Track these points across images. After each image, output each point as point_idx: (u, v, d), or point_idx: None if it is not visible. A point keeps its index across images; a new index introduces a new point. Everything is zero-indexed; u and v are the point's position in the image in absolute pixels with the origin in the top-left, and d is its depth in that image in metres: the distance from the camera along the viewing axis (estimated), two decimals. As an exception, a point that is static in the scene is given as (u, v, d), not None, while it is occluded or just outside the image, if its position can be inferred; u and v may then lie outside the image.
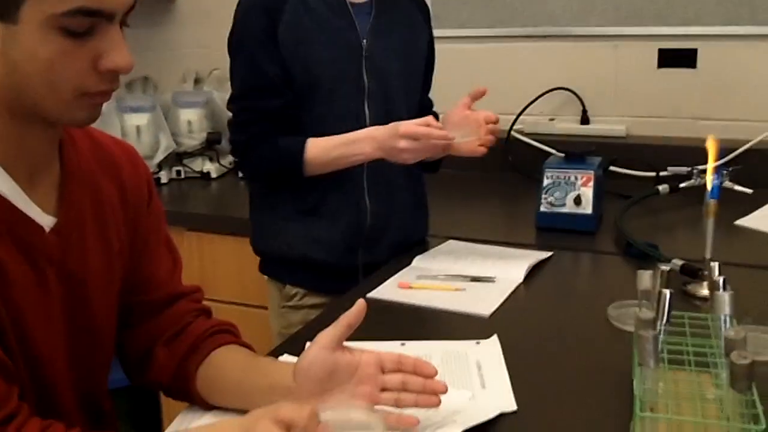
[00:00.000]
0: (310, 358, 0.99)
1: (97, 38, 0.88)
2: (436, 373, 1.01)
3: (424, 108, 1.83)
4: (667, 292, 1.07)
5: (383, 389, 1.00)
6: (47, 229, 0.97)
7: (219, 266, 2.26)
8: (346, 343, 1.03)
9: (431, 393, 1.00)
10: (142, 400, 1.21)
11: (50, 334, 0.98)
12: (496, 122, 1.61)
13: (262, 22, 1.56)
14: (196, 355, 1.10)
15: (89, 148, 1.08)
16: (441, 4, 2.60)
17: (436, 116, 1.87)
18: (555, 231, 1.92)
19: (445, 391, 1.00)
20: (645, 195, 2.13)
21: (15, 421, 0.86)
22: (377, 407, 0.99)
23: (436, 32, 2.59)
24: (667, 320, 1.07)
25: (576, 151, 2.03)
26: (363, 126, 1.63)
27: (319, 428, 0.82)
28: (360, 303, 1.01)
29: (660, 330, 1.06)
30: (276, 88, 1.59)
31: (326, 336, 1.00)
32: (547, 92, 2.53)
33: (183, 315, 1.14)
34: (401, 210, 1.75)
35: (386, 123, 1.59)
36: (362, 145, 1.57)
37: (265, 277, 1.79)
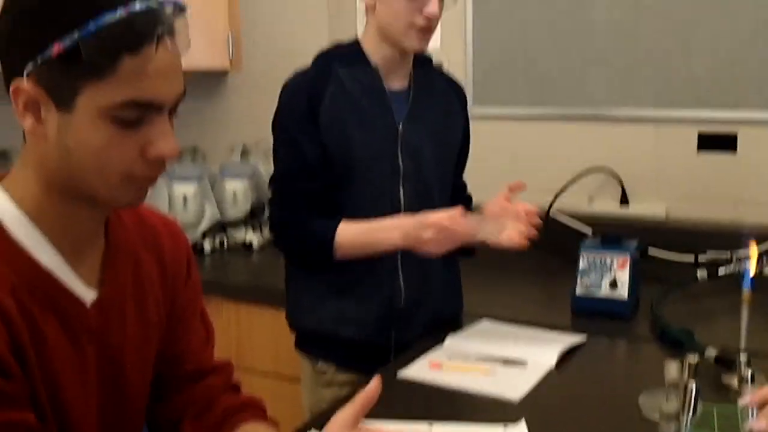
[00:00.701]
0: None
1: (146, 127, 0.93)
2: None
3: (458, 190, 1.87)
4: (693, 384, 1.07)
5: None
6: (88, 304, 1.01)
7: (256, 337, 2.29)
8: (377, 424, 1.04)
9: None
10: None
11: (83, 402, 1.01)
12: (533, 212, 1.63)
13: (304, 107, 1.63)
14: (222, 431, 1.12)
15: (134, 223, 1.13)
16: (482, 83, 2.65)
17: (470, 199, 1.91)
18: (590, 314, 1.92)
19: None
20: (683, 283, 2.11)
21: None
22: None
23: (476, 110, 2.66)
24: (694, 413, 1.06)
25: (612, 234, 2.03)
26: (398, 207, 1.67)
27: None
28: (375, 381, 1.02)
29: (686, 423, 1.06)
30: (314, 171, 1.65)
31: (344, 415, 1.01)
32: (586, 172, 2.54)
33: (212, 389, 1.17)
34: (435, 291, 1.77)
35: (420, 204, 1.63)
36: (390, 234, 1.61)
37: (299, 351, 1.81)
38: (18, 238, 0.95)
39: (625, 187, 2.52)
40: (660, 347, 1.72)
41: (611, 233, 2.04)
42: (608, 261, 1.95)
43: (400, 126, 1.69)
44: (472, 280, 1.99)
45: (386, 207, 1.66)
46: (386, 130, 1.68)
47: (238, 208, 2.70)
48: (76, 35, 0.87)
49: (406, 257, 1.70)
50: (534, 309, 2.05)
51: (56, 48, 0.87)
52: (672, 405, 0.96)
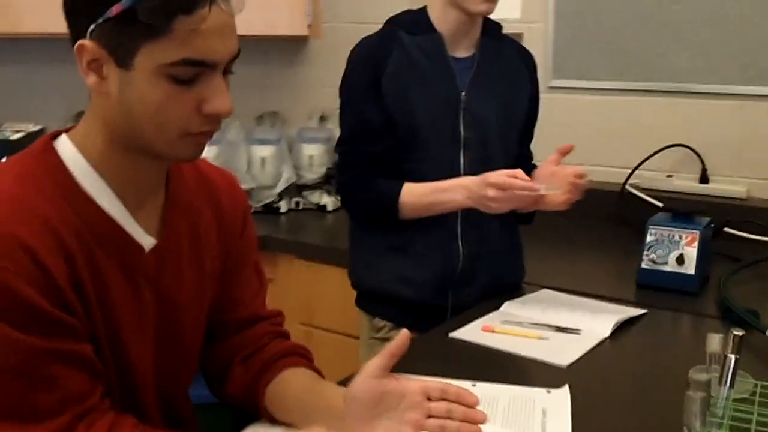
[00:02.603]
0: (358, 385, 1.06)
1: (201, 85, 0.98)
2: (477, 402, 1.04)
3: (523, 160, 1.87)
4: (732, 357, 1.06)
5: (429, 416, 1.05)
6: (147, 250, 1.07)
7: (325, 295, 2.36)
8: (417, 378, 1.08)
9: (472, 422, 1.03)
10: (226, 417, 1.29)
11: (141, 344, 1.08)
12: (583, 177, 1.62)
13: (369, 73, 1.67)
14: (267, 375, 1.18)
15: (194, 177, 1.19)
16: (562, 55, 2.63)
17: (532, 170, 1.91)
18: (656, 289, 1.90)
19: (484, 421, 1.05)
20: (756, 260, 2.06)
21: (88, 417, 0.96)
22: None
23: (555, 82, 2.63)
24: (731, 386, 1.06)
25: (683, 210, 2.00)
26: (458, 174, 1.69)
27: None
28: (404, 334, 1.06)
29: (723, 395, 1.06)
30: (378, 135, 1.68)
31: (373, 365, 1.06)
32: (666, 148, 2.49)
33: (261, 336, 1.23)
34: (493, 255, 1.78)
35: (481, 172, 1.64)
36: (454, 194, 1.63)
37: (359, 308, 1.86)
38: (84, 186, 1.02)
39: (706, 164, 2.47)
40: (723, 325, 1.69)
41: (682, 209, 2.00)
42: (677, 236, 1.92)
43: (463, 93, 1.70)
44: (542, 249, 1.99)
45: (447, 173, 1.68)
46: (448, 97, 1.69)
47: (314, 172, 2.76)
48: None
49: (466, 220, 1.72)
50: (598, 281, 2.03)
51: (115, 9, 0.92)
52: (702, 374, 0.96)
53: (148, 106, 0.97)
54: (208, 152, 2.61)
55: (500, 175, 1.57)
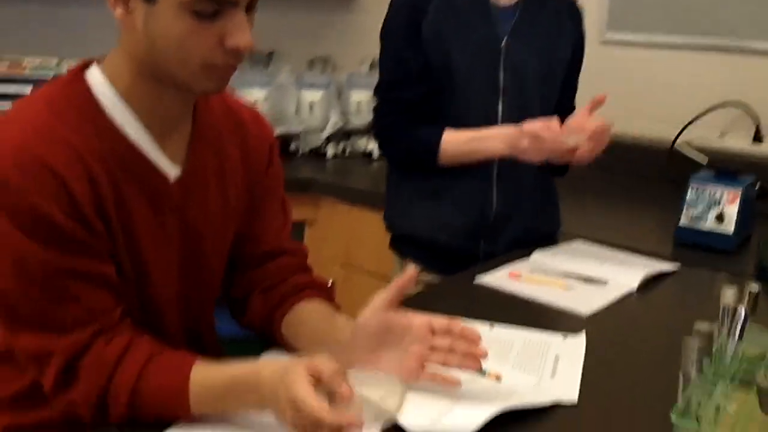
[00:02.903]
0: (365, 317, 1.09)
1: (223, 21, 1.01)
2: (480, 339, 1.07)
3: (566, 112, 1.85)
4: (742, 309, 1.06)
5: (432, 350, 1.08)
6: (172, 180, 1.11)
7: (363, 238, 2.39)
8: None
9: (473, 357, 1.06)
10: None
11: (164, 268, 1.13)
12: (607, 130, 1.60)
13: (409, 18, 1.68)
14: (284, 306, 1.22)
15: (222, 111, 1.22)
16: (620, 7, 2.57)
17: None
18: (693, 247, 1.88)
19: (484, 356, 1.07)
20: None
21: (108, 333, 1.02)
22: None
23: (610, 35, 2.59)
24: (740, 337, 1.06)
25: (727, 167, 1.96)
26: (495, 122, 1.69)
27: (342, 382, 0.92)
28: (410, 269, 1.09)
29: (731, 348, 1.06)
30: (416, 80, 1.69)
31: (380, 298, 1.09)
32: (719, 106, 2.43)
33: (283, 269, 1.26)
34: (528, 206, 1.78)
35: (518, 121, 1.64)
36: (493, 142, 1.64)
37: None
38: (111, 116, 1.05)
39: (761, 124, 2.40)
40: (757, 285, 1.67)
41: (727, 167, 1.97)
42: (718, 194, 1.89)
43: (503, 41, 1.69)
44: (582, 203, 1.97)
45: (484, 121, 1.68)
46: (488, 45, 1.69)
47: (362, 118, 2.78)
48: None
49: (502, 168, 1.72)
50: (635, 236, 2.01)
51: None
52: (706, 325, 0.96)
53: (171, 40, 1.00)
54: (258, 94, 2.65)
55: (535, 125, 1.57)
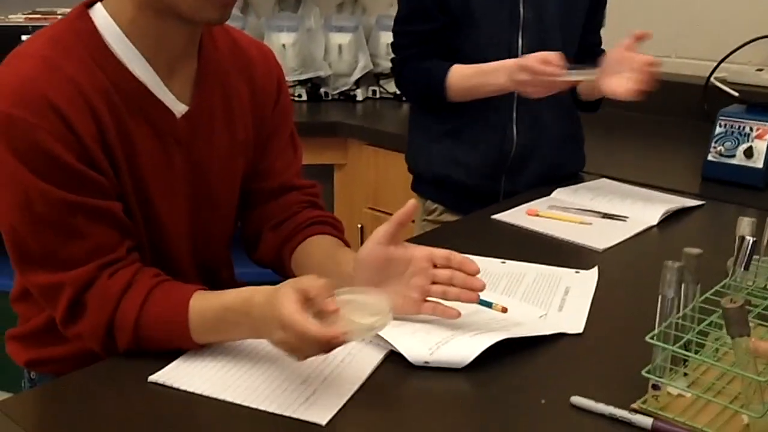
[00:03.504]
0: (367, 250, 1.10)
1: None
2: (477, 271, 1.07)
3: (590, 46, 1.82)
4: (750, 238, 1.04)
5: (433, 282, 1.08)
6: (178, 116, 1.12)
7: (390, 180, 2.40)
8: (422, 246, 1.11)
9: (471, 289, 1.06)
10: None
11: (172, 205, 1.15)
12: (655, 66, 1.55)
13: None
14: (293, 241, 1.23)
15: (228, 47, 1.22)
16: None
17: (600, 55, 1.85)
18: (721, 182, 1.85)
19: (482, 289, 1.07)
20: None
21: (112, 267, 1.04)
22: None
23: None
24: (746, 267, 1.04)
25: (759, 101, 1.91)
26: (515, 56, 1.65)
27: (328, 299, 0.93)
28: (410, 203, 1.09)
29: (735, 275, 1.05)
30: (431, 13, 1.67)
31: (380, 232, 1.09)
32: (755, 39, 2.36)
33: (292, 205, 1.27)
34: (549, 142, 1.76)
35: (540, 54, 1.61)
36: (497, 76, 1.61)
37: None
38: (116, 52, 1.06)
39: (800, 57, 2.33)
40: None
41: (757, 100, 1.91)
42: (747, 128, 1.84)
43: (525, -29, 1.65)
44: (609, 140, 1.92)
45: (503, 55, 1.65)
46: None
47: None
48: None
49: (522, 105, 1.70)
50: (663, 174, 1.98)
51: None
52: (693, 249, 0.95)
53: None
54: (287, 39, 2.65)
55: (530, 58, 1.54)
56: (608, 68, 1.58)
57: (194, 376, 0.99)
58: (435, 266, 1.09)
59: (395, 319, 1.01)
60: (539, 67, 1.52)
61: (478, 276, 1.07)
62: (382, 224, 1.11)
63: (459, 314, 1.08)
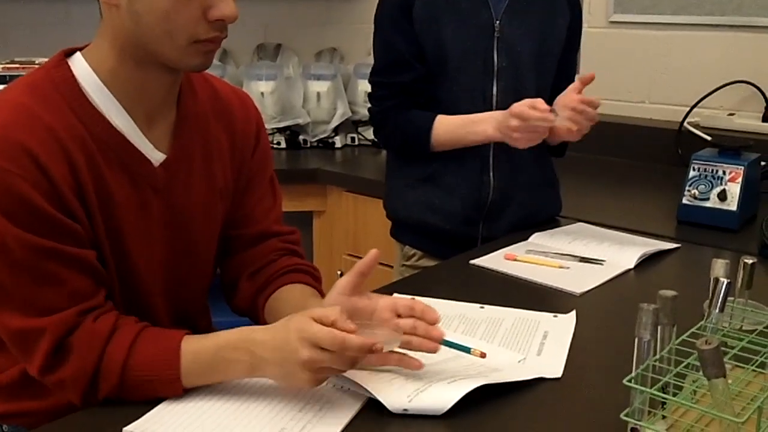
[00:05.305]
0: (330, 301, 1.11)
1: None
2: (437, 320, 1.07)
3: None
4: (724, 280, 1.05)
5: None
6: (156, 164, 1.13)
7: (369, 227, 2.40)
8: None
9: (430, 339, 1.07)
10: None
11: (148, 253, 1.14)
12: (592, 105, 1.59)
13: (399, 2, 1.68)
14: (268, 289, 1.23)
15: (208, 95, 1.23)
16: (625, -11, 2.56)
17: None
18: (696, 225, 1.86)
19: (440, 338, 1.07)
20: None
21: (94, 312, 1.03)
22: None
23: (617, 17, 2.57)
24: (721, 309, 1.05)
25: (730, 145, 1.94)
26: (490, 105, 1.69)
27: (347, 322, 0.97)
28: (371, 253, 1.09)
29: (710, 316, 1.05)
30: (408, 64, 1.69)
31: (342, 283, 1.10)
32: (727, 85, 2.41)
33: (270, 252, 1.27)
34: (527, 188, 1.78)
35: (514, 102, 1.63)
36: (484, 126, 1.64)
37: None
38: (94, 101, 1.07)
39: (770, 102, 2.37)
40: (761, 263, 1.65)
41: (729, 144, 1.95)
42: (720, 171, 1.87)
43: (497, 22, 1.68)
44: (584, 185, 1.93)
45: (478, 104, 1.68)
46: (482, 25, 1.68)
47: (369, 108, 2.79)
48: None
49: (499, 151, 1.72)
50: (639, 217, 2.00)
51: None
52: (669, 292, 0.96)
53: (157, 13, 1.02)
54: (266, 86, 2.67)
55: (520, 105, 1.57)
56: (559, 111, 1.62)
57: (171, 425, 0.97)
58: (399, 315, 1.09)
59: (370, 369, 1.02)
60: (531, 113, 1.55)
61: (456, 321, 1.08)
62: (345, 275, 1.11)
63: (422, 365, 1.07)
